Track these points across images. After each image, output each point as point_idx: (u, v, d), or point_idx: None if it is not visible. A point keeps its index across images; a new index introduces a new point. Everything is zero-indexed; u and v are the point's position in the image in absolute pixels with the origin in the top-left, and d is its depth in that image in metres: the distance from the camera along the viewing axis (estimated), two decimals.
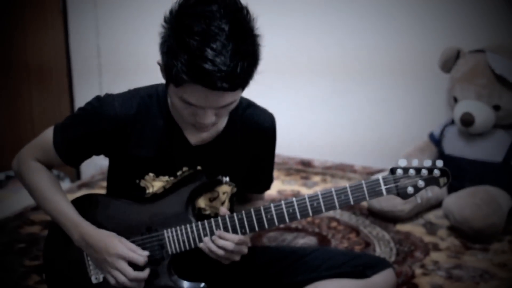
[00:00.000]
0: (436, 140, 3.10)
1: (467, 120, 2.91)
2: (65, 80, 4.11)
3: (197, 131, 1.72)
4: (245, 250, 1.75)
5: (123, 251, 1.71)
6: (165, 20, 1.57)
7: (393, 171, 1.70)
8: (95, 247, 1.73)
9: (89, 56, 4.10)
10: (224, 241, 1.71)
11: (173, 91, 1.60)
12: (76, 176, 4.06)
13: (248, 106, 1.83)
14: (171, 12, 1.57)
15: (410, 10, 3.36)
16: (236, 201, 1.97)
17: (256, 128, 1.85)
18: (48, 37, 4.08)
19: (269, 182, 2.02)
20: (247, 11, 1.57)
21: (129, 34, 3.99)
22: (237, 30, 1.52)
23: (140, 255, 1.72)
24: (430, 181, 1.68)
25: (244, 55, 1.52)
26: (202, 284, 1.77)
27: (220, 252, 1.71)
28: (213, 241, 1.71)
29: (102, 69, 4.10)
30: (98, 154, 1.82)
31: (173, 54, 1.52)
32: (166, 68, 1.56)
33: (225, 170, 1.84)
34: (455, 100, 3.04)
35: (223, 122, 1.79)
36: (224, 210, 1.75)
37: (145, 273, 1.73)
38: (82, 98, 4.10)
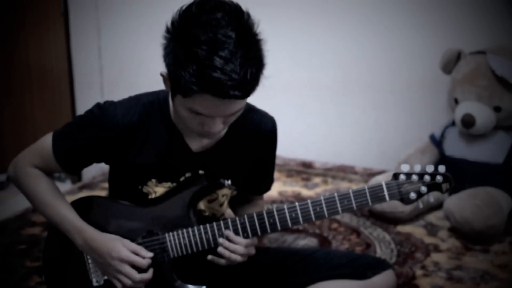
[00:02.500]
0: (437, 142, 3.11)
1: (468, 122, 2.91)
2: (66, 82, 4.11)
3: (202, 138, 1.72)
4: (252, 251, 1.77)
5: (126, 254, 1.70)
6: (168, 31, 1.56)
7: (396, 176, 1.71)
8: (98, 251, 1.72)
9: (91, 58, 4.09)
10: (234, 245, 1.72)
11: (180, 102, 1.59)
12: (77, 177, 4.06)
13: (249, 110, 1.83)
14: (173, 23, 1.55)
15: (411, 12, 3.36)
16: (236, 202, 1.97)
17: (258, 132, 1.86)
18: (50, 40, 4.08)
19: (269, 184, 2.03)
20: (249, 16, 1.56)
21: (130, 36, 3.99)
22: (243, 37, 1.51)
23: (144, 256, 1.72)
24: (433, 186, 1.69)
25: (252, 61, 1.52)
26: (204, 287, 1.77)
27: (234, 257, 1.72)
28: (225, 247, 1.72)
29: (104, 71, 4.10)
30: (98, 161, 1.81)
31: (181, 65, 1.51)
32: (173, 79, 1.55)
33: (227, 175, 1.84)
34: (456, 101, 3.05)
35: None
36: (230, 213, 1.76)
37: (149, 274, 1.73)
38: (83, 100, 4.11)
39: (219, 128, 1.62)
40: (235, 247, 1.72)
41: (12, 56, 4.12)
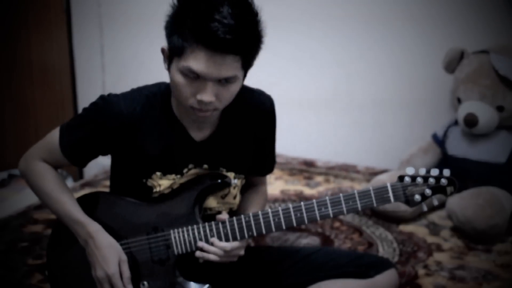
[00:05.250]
0: (440, 141, 3.10)
1: (470, 121, 2.91)
2: (68, 79, 4.11)
3: (198, 117, 1.70)
4: (240, 253, 1.78)
5: (112, 272, 1.71)
6: (173, 3, 1.62)
7: (401, 178, 1.74)
8: (95, 251, 1.73)
9: (93, 55, 4.10)
10: (214, 248, 1.74)
11: (175, 67, 1.62)
12: (79, 175, 4.06)
13: (245, 90, 1.83)
14: None
15: (413, 11, 3.36)
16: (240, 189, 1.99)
17: (257, 111, 1.87)
18: (52, 37, 4.08)
19: (272, 165, 2.03)
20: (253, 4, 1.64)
21: (132, 33, 3.98)
22: (244, 3, 1.60)
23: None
24: (437, 189, 1.73)
25: (249, 24, 1.59)
26: (207, 285, 1.78)
27: (212, 257, 1.74)
28: (205, 250, 1.74)
29: (106, 68, 4.10)
30: (104, 154, 1.83)
31: (181, 20, 1.57)
32: (171, 39, 1.61)
33: (232, 162, 1.85)
34: (459, 100, 3.04)
35: (225, 105, 1.74)
36: (219, 217, 1.77)
37: None
38: (85, 97, 4.11)
39: (211, 98, 1.62)
40: (214, 250, 1.74)
41: (14, 53, 4.12)
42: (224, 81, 1.62)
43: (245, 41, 1.58)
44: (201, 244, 1.75)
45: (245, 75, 1.70)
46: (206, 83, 1.60)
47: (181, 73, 1.61)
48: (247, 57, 1.63)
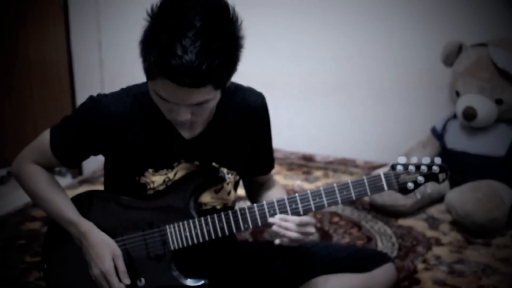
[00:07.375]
0: (438, 135, 3.09)
1: (469, 114, 2.90)
2: (66, 75, 4.10)
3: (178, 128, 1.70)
4: (311, 230, 1.73)
5: (107, 269, 1.71)
6: (148, 14, 1.61)
7: (393, 167, 1.76)
8: (89, 249, 1.73)
9: (91, 51, 4.08)
10: (286, 223, 1.70)
11: (149, 85, 1.62)
12: (78, 172, 4.06)
13: (236, 89, 1.82)
14: (152, 7, 1.61)
15: (411, 4, 3.35)
16: (249, 188, 1.99)
17: (248, 110, 1.84)
18: (49, 33, 4.07)
19: (272, 162, 2.01)
20: (227, 10, 1.56)
21: (130, 30, 3.94)
22: (209, 28, 1.51)
23: (122, 282, 1.72)
24: (430, 177, 1.75)
25: (214, 53, 1.50)
26: (203, 281, 1.77)
27: (288, 233, 1.70)
28: (278, 225, 1.71)
29: (104, 65, 4.09)
30: (95, 154, 1.82)
31: (147, 48, 1.56)
32: (143, 61, 1.59)
33: (223, 159, 1.83)
34: (458, 94, 3.03)
35: (205, 118, 1.73)
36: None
37: None
38: (83, 93, 4.08)
39: (186, 118, 1.61)
40: (286, 224, 1.70)
41: (12, 50, 4.12)
42: (197, 105, 1.59)
43: (211, 72, 1.51)
44: (272, 220, 1.72)
45: (223, 89, 1.64)
46: (178, 106, 1.59)
47: (154, 93, 1.61)
48: (218, 82, 1.57)
